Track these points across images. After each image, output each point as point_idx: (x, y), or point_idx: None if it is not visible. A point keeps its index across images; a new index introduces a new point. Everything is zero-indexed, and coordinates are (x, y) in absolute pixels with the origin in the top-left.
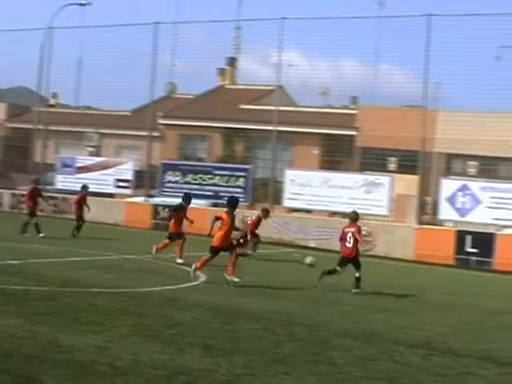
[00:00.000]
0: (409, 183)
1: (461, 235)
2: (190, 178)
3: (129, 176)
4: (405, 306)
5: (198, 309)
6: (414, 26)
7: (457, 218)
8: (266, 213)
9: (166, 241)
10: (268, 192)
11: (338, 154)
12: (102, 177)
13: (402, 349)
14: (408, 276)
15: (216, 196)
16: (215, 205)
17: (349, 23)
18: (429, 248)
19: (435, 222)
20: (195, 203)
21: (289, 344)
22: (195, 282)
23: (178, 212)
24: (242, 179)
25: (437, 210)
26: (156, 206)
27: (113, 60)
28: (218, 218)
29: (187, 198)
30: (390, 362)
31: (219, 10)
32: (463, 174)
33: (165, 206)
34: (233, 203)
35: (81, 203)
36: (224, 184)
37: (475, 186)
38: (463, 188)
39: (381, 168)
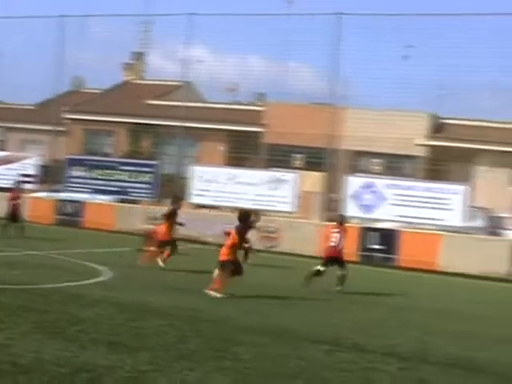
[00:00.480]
0: (315, 180)
1: (365, 232)
2: (95, 173)
3: (33, 171)
4: (310, 303)
5: (102, 305)
6: (322, 24)
7: (362, 214)
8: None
9: (156, 249)
10: (174, 188)
11: (245, 150)
12: (6, 172)
13: (307, 344)
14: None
15: (122, 192)
16: (122, 201)
17: (257, 20)
18: None
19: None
20: (100, 199)
21: (194, 340)
22: (101, 279)
23: (171, 217)
24: (148, 175)
25: (342, 207)
26: (60, 201)
27: (19, 52)
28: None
29: (177, 199)
30: (295, 357)
31: (129, 4)
32: (369, 171)
33: (69, 201)
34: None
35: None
36: (130, 180)
37: (380, 183)
38: (368, 185)
39: (287, 165)
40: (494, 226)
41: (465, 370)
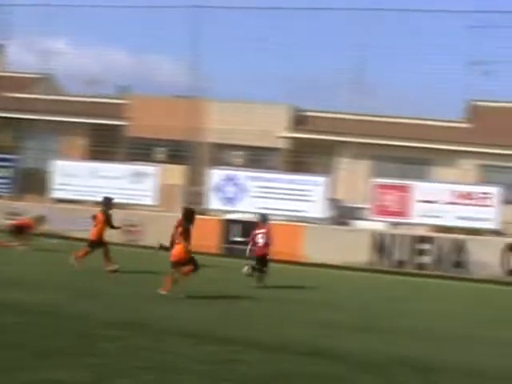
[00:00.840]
0: (177, 173)
1: (227, 224)
2: None
3: None
4: (172, 296)
5: None
6: (183, 18)
7: (225, 207)
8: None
9: (87, 249)
10: (36, 183)
11: (107, 144)
12: None
13: (173, 338)
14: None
15: None
16: None
17: (119, 12)
18: (196, 237)
19: (204, 211)
20: None
21: (58, 337)
22: None
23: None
24: (8, 169)
25: (205, 199)
26: None
27: None
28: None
29: (108, 201)
30: (161, 351)
31: None
32: (231, 164)
33: None
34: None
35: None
36: None
37: (242, 175)
38: (230, 178)
39: (150, 158)
40: (345, 217)
41: (323, 357)
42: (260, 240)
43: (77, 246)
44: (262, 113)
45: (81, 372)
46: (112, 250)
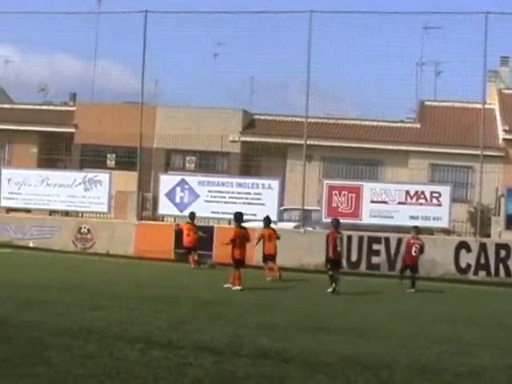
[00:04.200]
0: (128, 180)
1: (180, 230)
2: None
3: None
4: (123, 302)
5: None
6: (132, 23)
7: (176, 212)
8: None
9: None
10: None
11: (57, 151)
12: None
13: (121, 344)
14: (128, 272)
15: None
16: None
17: (66, 18)
18: (149, 243)
19: (156, 217)
20: None
21: (3, 347)
22: None
23: None
24: None
25: (157, 205)
26: None
27: None
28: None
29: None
30: (109, 358)
31: None
32: (182, 169)
33: None
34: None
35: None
36: None
37: (193, 180)
38: (181, 183)
39: (100, 165)
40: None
41: (276, 360)
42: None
43: (27, 255)
44: (213, 117)
45: (28, 381)
46: (65, 259)
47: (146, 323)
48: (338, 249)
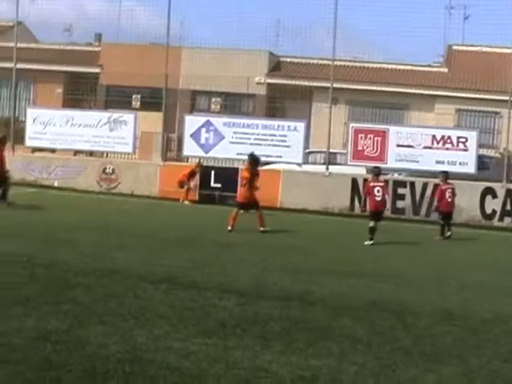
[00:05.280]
0: (153, 120)
1: (205, 171)
2: None
3: None
4: (147, 243)
5: None
6: None
7: (201, 153)
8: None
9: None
10: (10, 131)
11: (82, 92)
12: None
13: (146, 285)
14: (152, 213)
15: None
16: None
17: None
18: (174, 185)
19: (180, 158)
20: None
21: (29, 286)
22: None
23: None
24: None
25: (182, 146)
26: None
27: None
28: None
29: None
30: (134, 297)
31: None
32: (208, 110)
33: None
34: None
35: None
36: None
37: (218, 121)
38: (207, 124)
39: (125, 106)
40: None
41: (300, 302)
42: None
43: (53, 195)
44: (239, 59)
45: (53, 320)
46: (90, 199)
47: (169, 265)
48: (449, 200)
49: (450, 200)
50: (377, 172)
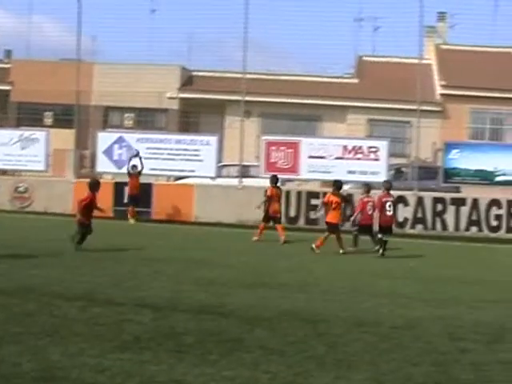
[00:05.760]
0: (66, 137)
1: (119, 187)
2: None
3: None
4: (63, 260)
5: None
6: None
7: (114, 170)
8: None
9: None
10: None
11: None
12: None
13: (61, 302)
14: (67, 231)
15: None
16: None
17: None
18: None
19: (94, 175)
20: None
21: None
22: None
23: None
24: None
25: (95, 163)
26: None
27: None
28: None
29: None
30: (48, 316)
31: None
32: (121, 126)
33: None
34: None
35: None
36: None
37: (131, 137)
38: (119, 140)
39: (37, 123)
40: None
41: (214, 314)
42: None
43: None
44: (151, 74)
45: None
46: (2, 218)
47: (87, 281)
48: (389, 213)
49: (370, 213)
50: (388, 187)
